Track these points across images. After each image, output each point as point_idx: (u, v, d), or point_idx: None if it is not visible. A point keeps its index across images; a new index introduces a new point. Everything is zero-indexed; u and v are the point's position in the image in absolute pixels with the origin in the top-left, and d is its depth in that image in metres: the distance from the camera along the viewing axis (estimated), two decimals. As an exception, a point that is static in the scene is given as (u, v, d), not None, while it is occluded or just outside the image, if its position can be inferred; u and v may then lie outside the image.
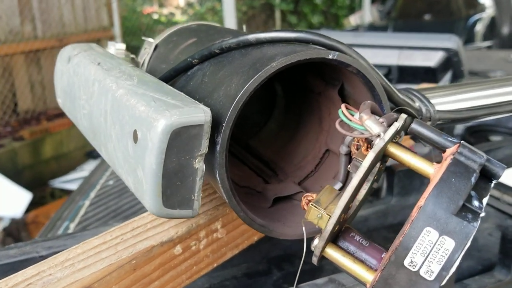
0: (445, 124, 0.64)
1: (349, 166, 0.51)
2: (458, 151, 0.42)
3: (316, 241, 0.43)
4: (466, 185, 0.39)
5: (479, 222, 0.38)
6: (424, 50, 1.20)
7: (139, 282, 0.54)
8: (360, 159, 0.48)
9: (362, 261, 0.44)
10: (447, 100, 0.65)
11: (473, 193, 0.40)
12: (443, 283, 0.38)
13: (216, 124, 0.49)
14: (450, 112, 0.62)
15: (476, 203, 0.40)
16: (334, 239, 0.46)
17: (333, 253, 0.44)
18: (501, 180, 0.92)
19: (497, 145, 1.01)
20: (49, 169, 4.02)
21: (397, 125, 0.45)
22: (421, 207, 0.39)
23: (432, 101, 0.63)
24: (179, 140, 0.45)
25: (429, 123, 0.61)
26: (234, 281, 0.76)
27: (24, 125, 4.18)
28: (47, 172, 3.97)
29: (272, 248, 0.83)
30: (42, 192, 3.74)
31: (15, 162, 3.84)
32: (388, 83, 0.56)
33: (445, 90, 0.66)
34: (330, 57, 0.50)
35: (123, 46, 0.78)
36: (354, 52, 0.53)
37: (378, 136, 0.45)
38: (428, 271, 0.38)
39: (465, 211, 0.38)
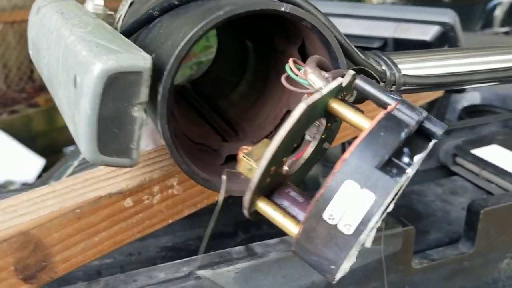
0: (412, 90, 0.62)
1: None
2: (397, 107, 0.41)
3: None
4: (395, 140, 0.38)
5: (404, 177, 0.37)
6: (420, 24, 1.17)
7: (84, 231, 0.54)
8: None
9: (293, 216, 0.43)
10: (416, 66, 0.63)
11: (406, 149, 0.39)
12: (361, 237, 0.37)
13: (160, 74, 0.48)
14: (417, 77, 0.60)
15: (406, 159, 0.38)
16: (270, 193, 0.45)
17: (264, 207, 0.43)
18: (482, 155, 0.90)
19: (484, 121, 0.98)
20: (63, 137, 4.05)
21: (340, 80, 0.44)
22: (345, 159, 0.37)
23: (400, 66, 0.61)
24: (116, 86, 0.44)
25: (394, 87, 0.59)
26: (197, 242, 0.76)
27: (39, 92, 4.22)
28: (61, 139, 4.01)
29: (242, 212, 0.83)
30: (55, 159, 3.79)
31: (30, 128, 3.88)
32: (348, 41, 0.55)
33: (416, 55, 0.64)
34: (282, 9, 0.48)
35: (101, 1, 0.77)
36: (309, 5, 0.51)
37: (320, 89, 0.44)
38: (346, 224, 0.37)
39: (390, 165, 0.37)
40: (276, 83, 0.65)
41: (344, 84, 0.44)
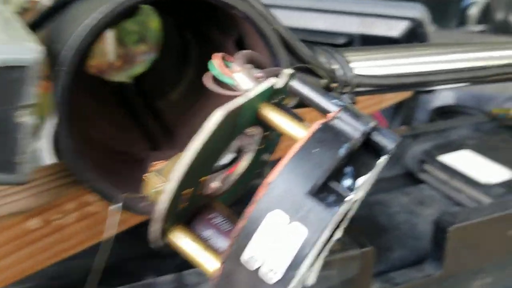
0: (369, 92, 0.54)
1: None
2: (337, 115, 0.32)
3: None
4: (331, 157, 0.29)
5: (344, 206, 0.29)
6: (388, 19, 1.10)
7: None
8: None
9: (215, 250, 0.35)
10: (373, 64, 0.55)
11: (348, 169, 0.31)
12: (291, 285, 0.28)
13: (58, 70, 0.39)
14: (373, 78, 0.53)
15: (347, 182, 0.30)
16: (190, 220, 0.37)
17: (177, 239, 0.35)
18: (452, 162, 0.83)
19: (455, 124, 0.92)
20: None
21: (273, 81, 0.36)
22: (270, 183, 0.29)
23: (354, 64, 0.53)
24: (-7, 85, 0.35)
25: (346, 89, 0.52)
26: (137, 261, 0.66)
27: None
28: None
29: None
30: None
31: None
32: (292, 35, 0.46)
33: (374, 53, 0.57)
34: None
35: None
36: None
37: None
38: (271, 270, 0.28)
39: (326, 191, 0.29)
40: None
41: (277, 86, 0.36)
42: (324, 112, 0.35)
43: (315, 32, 1.14)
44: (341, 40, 1.13)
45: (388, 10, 1.11)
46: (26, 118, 0.37)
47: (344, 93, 0.51)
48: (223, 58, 0.39)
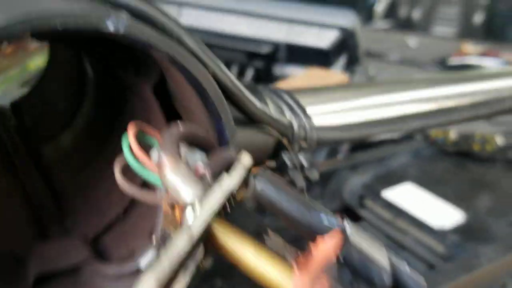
0: (324, 146, 0.42)
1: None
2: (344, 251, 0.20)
3: None
4: None
5: None
6: (316, 27, 1.00)
7: None
8: (169, 232, 0.24)
9: None
10: (331, 110, 0.43)
11: None
12: None
13: None
14: (335, 130, 0.41)
15: None
16: None
17: None
18: (394, 198, 0.74)
19: (393, 150, 0.83)
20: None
21: (227, 186, 0.22)
22: None
23: (310, 110, 0.41)
24: None
25: (304, 145, 0.39)
26: None
27: None
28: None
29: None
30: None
31: None
32: (237, 81, 0.33)
33: (329, 92, 0.45)
34: (110, 29, 0.25)
35: None
36: (164, 17, 0.28)
37: (191, 206, 0.22)
38: None
39: None
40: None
41: (233, 191, 0.23)
42: (310, 235, 0.22)
43: (237, 38, 1.01)
44: (265, 49, 1.01)
45: (317, 17, 1.01)
46: None
47: (301, 149, 0.39)
48: (142, 131, 0.25)
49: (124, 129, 0.32)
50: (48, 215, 0.40)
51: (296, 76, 0.97)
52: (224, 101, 0.30)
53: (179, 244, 0.20)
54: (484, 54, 1.26)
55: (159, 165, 0.23)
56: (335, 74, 0.95)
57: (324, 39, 0.98)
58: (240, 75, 1.02)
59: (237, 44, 1.01)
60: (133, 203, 0.39)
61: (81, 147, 0.46)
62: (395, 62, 1.35)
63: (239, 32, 1.03)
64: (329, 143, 0.41)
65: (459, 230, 0.67)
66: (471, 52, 1.32)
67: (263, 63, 1.02)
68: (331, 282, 0.20)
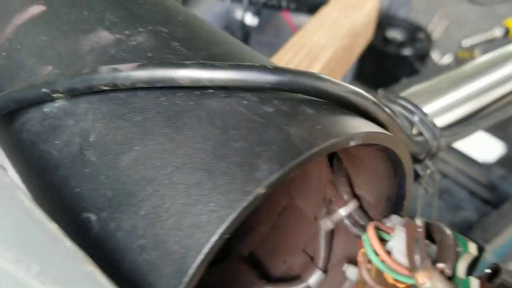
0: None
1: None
2: None
3: None
4: None
5: None
6: None
7: None
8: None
9: None
10: (445, 104, 0.45)
11: None
12: None
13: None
14: (455, 131, 0.44)
15: None
16: None
17: None
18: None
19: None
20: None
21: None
22: None
23: (426, 109, 0.43)
24: None
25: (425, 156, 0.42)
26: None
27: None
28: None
29: None
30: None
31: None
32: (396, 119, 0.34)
33: (434, 86, 0.47)
34: (353, 143, 0.26)
35: None
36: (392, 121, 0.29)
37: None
38: None
39: None
40: None
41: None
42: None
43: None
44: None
45: None
46: None
47: (431, 157, 0.42)
48: (378, 229, 0.28)
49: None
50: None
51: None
52: (411, 168, 0.32)
53: None
54: None
55: (414, 275, 0.26)
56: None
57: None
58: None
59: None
60: (278, 219, 0.42)
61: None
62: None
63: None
64: (453, 143, 0.44)
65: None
66: None
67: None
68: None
